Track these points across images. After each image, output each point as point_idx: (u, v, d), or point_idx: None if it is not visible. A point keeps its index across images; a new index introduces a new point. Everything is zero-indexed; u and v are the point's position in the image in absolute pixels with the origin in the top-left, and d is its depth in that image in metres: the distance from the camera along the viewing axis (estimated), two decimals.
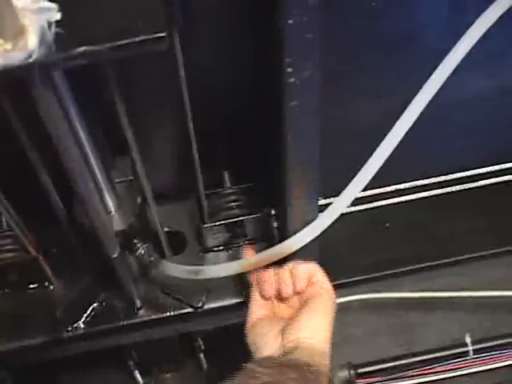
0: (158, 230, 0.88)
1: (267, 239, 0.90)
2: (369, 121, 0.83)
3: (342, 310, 1.12)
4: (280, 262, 0.82)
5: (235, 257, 0.93)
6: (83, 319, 0.90)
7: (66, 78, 0.59)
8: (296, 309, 0.78)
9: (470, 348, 1.16)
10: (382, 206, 0.99)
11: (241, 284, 0.91)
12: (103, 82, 0.65)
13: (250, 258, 0.83)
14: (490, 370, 1.19)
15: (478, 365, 1.19)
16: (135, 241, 0.85)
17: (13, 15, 0.46)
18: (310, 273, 0.78)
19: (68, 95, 0.62)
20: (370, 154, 0.68)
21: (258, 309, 0.81)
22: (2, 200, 0.78)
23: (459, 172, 0.98)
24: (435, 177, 0.99)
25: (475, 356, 1.18)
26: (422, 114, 0.65)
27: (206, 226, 0.91)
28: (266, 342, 0.78)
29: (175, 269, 0.85)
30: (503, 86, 0.88)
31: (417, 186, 0.98)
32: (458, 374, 1.19)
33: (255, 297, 0.81)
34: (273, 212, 0.89)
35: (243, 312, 0.89)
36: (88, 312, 0.90)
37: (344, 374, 1.13)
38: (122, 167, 0.85)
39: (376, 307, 1.21)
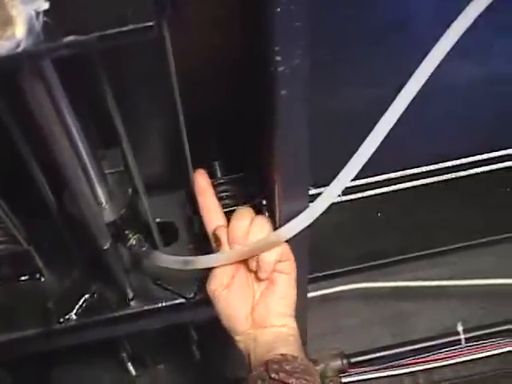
0: (149, 221, 0.88)
1: None
2: (359, 109, 0.83)
3: (333, 299, 1.13)
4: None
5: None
6: (75, 311, 0.90)
7: (55, 68, 0.59)
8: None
9: (462, 336, 1.17)
10: (372, 196, 0.99)
11: None
12: (92, 72, 0.65)
13: (239, 248, 0.83)
14: (482, 358, 1.20)
15: (470, 353, 1.20)
16: (126, 232, 0.85)
17: (0, 5, 0.46)
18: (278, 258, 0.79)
19: (57, 85, 0.61)
20: (360, 143, 0.69)
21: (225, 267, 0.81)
22: None
23: (449, 161, 0.99)
24: (425, 166, 0.99)
25: (467, 344, 1.18)
26: (411, 102, 0.65)
27: (197, 216, 0.91)
28: (238, 315, 0.81)
29: (167, 259, 0.85)
30: (493, 75, 0.88)
31: (407, 175, 0.98)
32: (451, 362, 1.20)
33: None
34: (264, 202, 0.89)
35: None
36: (80, 303, 0.90)
37: (336, 363, 1.13)
38: (113, 158, 0.84)
39: (368, 297, 1.21)
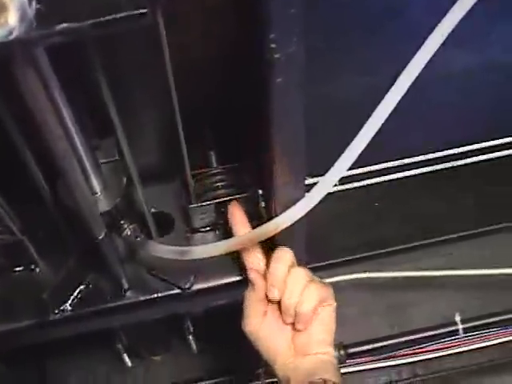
0: (144, 211, 0.89)
1: (255, 219, 0.90)
2: (355, 98, 0.83)
3: None
4: (267, 242, 0.83)
5: (222, 237, 0.94)
6: (70, 301, 0.90)
7: (48, 55, 0.59)
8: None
9: (460, 327, 1.18)
10: (370, 185, 0.99)
11: (229, 264, 0.92)
12: (86, 61, 0.65)
13: (236, 237, 0.84)
14: (480, 348, 1.20)
15: (468, 343, 1.20)
16: (121, 222, 0.85)
17: None
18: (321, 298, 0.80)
19: (50, 73, 0.61)
20: (357, 132, 0.69)
21: (257, 303, 0.82)
22: None
23: (447, 149, 0.99)
24: (423, 154, 0.99)
25: (465, 335, 1.19)
26: (408, 90, 0.65)
27: (192, 206, 0.91)
28: (278, 347, 0.82)
29: (162, 250, 0.85)
30: (489, 63, 0.88)
31: (405, 164, 0.99)
32: (449, 352, 1.20)
33: (257, 288, 0.82)
34: (260, 192, 0.89)
35: (232, 293, 0.90)
36: (75, 294, 0.90)
37: (334, 354, 1.14)
38: (108, 148, 0.84)
39: (365, 287, 1.22)
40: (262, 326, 0.82)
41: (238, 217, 0.87)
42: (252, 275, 0.82)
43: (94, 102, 0.71)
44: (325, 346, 0.82)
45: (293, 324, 0.82)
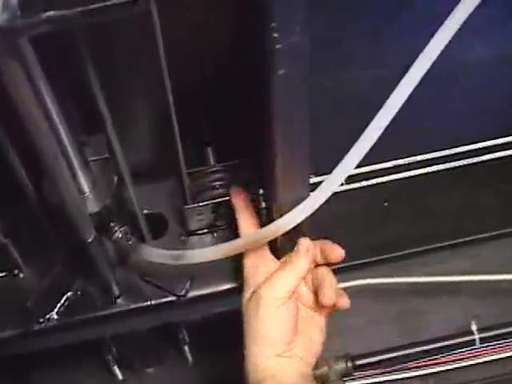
0: (136, 212, 0.89)
1: None
2: (363, 91, 0.83)
3: None
4: (268, 245, 0.84)
5: (221, 240, 0.94)
6: (56, 310, 0.90)
7: (34, 45, 0.60)
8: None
9: (477, 336, 1.17)
10: (379, 184, 0.99)
11: (228, 269, 0.92)
12: (74, 51, 0.66)
13: (235, 241, 0.84)
14: (498, 360, 1.20)
15: (485, 354, 1.20)
16: (112, 224, 0.86)
17: None
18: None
19: (35, 64, 0.62)
20: (365, 128, 0.69)
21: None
22: None
23: (464, 145, 0.99)
24: (438, 151, 0.99)
25: (482, 345, 1.19)
26: (419, 83, 0.65)
27: (188, 207, 0.92)
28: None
29: (156, 254, 0.86)
30: (506, 53, 0.88)
31: (418, 161, 0.98)
32: (464, 364, 1.20)
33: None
34: (261, 191, 0.89)
35: (231, 300, 0.90)
36: (61, 302, 0.91)
37: (340, 366, 1.14)
38: (97, 144, 0.85)
39: (375, 294, 1.22)
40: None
41: (242, 208, 0.89)
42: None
43: (83, 96, 0.71)
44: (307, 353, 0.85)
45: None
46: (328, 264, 0.86)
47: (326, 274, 0.85)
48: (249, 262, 0.86)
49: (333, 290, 0.83)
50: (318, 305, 0.86)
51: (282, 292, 0.81)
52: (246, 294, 0.84)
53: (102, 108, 0.73)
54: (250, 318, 0.82)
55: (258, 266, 0.85)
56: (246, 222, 0.88)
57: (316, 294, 0.85)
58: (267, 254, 0.87)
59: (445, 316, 1.25)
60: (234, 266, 0.91)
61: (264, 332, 0.81)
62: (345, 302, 0.85)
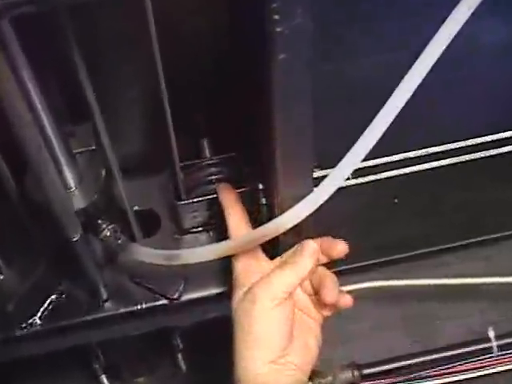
0: (126, 209, 0.89)
1: (254, 217, 0.90)
2: (372, 78, 0.83)
3: None
4: (269, 244, 0.84)
5: (217, 239, 0.94)
6: (39, 314, 0.91)
7: (15, 27, 0.60)
8: None
9: (494, 343, 1.18)
10: (388, 178, 0.99)
11: (224, 271, 0.92)
12: (59, 34, 0.66)
13: (233, 239, 0.84)
14: None
15: (504, 363, 1.20)
16: (99, 221, 0.86)
17: None
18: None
19: (17, 48, 0.62)
20: (373, 116, 0.69)
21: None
22: None
23: (481, 136, 0.99)
24: (452, 142, 0.99)
25: (500, 353, 1.19)
26: (432, 69, 0.66)
27: (182, 203, 0.92)
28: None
29: (147, 253, 0.86)
30: None
31: (430, 154, 0.98)
32: (481, 373, 1.20)
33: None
34: (260, 186, 0.89)
35: (228, 304, 0.90)
36: (45, 306, 0.91)
37: (346, 375, 1.14)
38: (83, 135, 0.85)
39: (384, 297, 1.22)
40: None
41: (231, 204, 0.89)
42: None
43: (68, 82, 0.72)
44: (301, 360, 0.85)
45: None
46: (329, 265, 0.86)
47: (326, 272, 0.85)
48: (241, 262, 0.86)
49: (335, 287, 0.84)
50: (317, 307, 0.86)
51: (280, 292, 0.80)
52: (238, 294, 0.84)
53: (89, 96, 0.73)
54: (242, 318, 0.81)
55: (251, 265, 0.85)
56: (236, 220, 0.88)
57: (313, 297, 0.86)
58: (260, 253, 0.87)
59: (460, 322, 1.25)
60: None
61: (257, 334, 0.80)
62: (347, 301, 0.85)
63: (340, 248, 0.85)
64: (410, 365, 1.19)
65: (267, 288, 0.81)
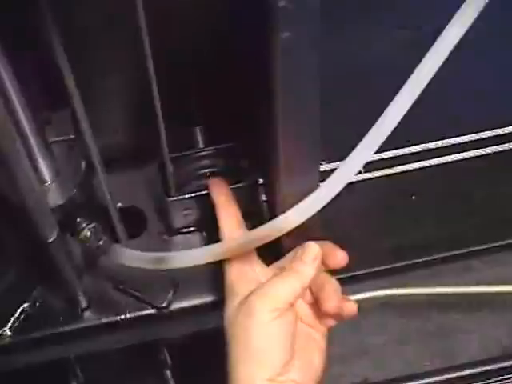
0: (108, 206, 0.89)
1: (253, 216, 0.90)
2: (385, 60, 0.83)
3: None
4: (269, 246, 0.84)
5: (211, 240, 0.94)
6: (10, 324, 0.91)
7: None
8: None
9: None
10: (405, 172, 0.99)
11: (217, 277, 0.92)
12: (33, 8, 0.66)
13: (228, 241, 0.85)
14: None
15: None
16: (78, 220, 0.86)
17: None
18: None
19: None
20: (387, 104, 0.69)
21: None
22: None
23: (505, 127, 0.99)
24: (476, 132, 0.99)
25: None
26: (454, 50, 0.66)
27: (171, 199, 0.92)
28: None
29: (132, 256, 0.86)
30: None
31: (451, 146, 0.99)
32: None
33: None
34: (260, 181, 0.90)
35: (221, 313, 0.91)
36: (16, 315, 0.91)
37: None
38: (61, 123, 0.85)
39: (399, 307, 1.23)
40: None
41: (223, 201, 0.89)
42: None
43: (44, 63, 0.72)
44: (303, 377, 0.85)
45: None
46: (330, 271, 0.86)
47: (326, 277, 0.85)
48: (234, 267, 0.86)
49: (335, 294, 0.84)
50: (319, 316, 0.86)
51: (280, 303, 0.80)
52: (232, 305, 0.83)
53: (67, 79, 0.73)
54: (238, 332, 0.81)
55: (246, 271, 0.85)
56: (229, 221, 0.88)
57: (315, 305, 0.86)
58: (255, 258, 0.87)
59: (483, 335, 1.26)
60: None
61: (255, 349, 0.80)
62: (351, 307, 0.85)
63: (340, 257, 0.85)
64: (429, 383, 1.19)
65: (265, 299, 0.81)
